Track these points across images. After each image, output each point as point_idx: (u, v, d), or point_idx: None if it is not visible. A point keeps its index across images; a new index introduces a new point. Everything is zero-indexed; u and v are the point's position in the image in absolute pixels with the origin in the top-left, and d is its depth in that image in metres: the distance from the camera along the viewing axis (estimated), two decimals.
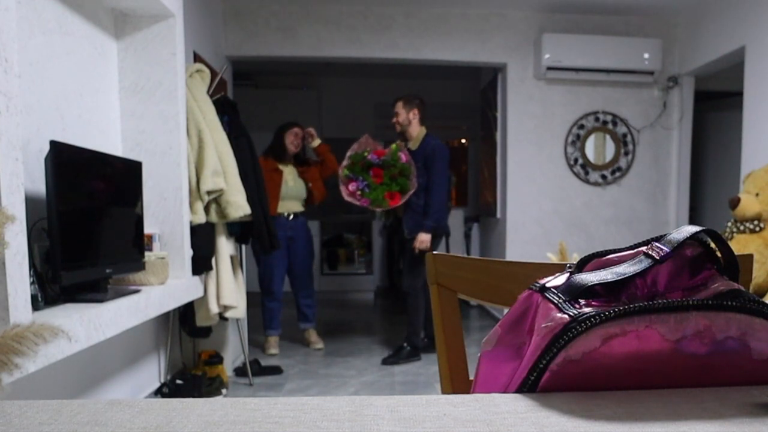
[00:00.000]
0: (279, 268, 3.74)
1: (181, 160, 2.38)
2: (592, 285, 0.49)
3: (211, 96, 2.83)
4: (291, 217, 3.75)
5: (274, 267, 3.70)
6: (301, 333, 4.05)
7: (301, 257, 3.84)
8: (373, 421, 0.41)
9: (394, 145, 3.50)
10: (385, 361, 3.57)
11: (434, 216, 3.47)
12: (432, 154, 3.48)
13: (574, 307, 0.47)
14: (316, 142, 3.78)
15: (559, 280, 0.53)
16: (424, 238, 3.45)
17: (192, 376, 2.73)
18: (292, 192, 3.71)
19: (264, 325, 3.82)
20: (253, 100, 5.88)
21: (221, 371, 2.95)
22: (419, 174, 3.49)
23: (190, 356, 3.05)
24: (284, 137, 3.71)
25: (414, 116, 3.56)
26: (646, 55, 4.07)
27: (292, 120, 3.87)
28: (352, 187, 3.49)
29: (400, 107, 3.58)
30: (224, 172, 2.62)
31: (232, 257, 2.89)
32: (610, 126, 4.29)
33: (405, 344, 3.65)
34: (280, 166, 3.68)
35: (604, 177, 4.33)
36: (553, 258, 3.58)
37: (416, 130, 3.58)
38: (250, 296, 3.47)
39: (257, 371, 3.27)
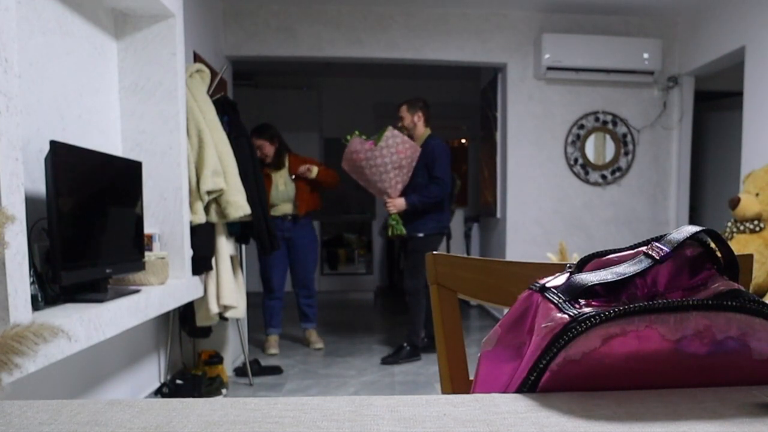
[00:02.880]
0: (279, 267, 3.75)
1: (181, 160, 2.38)
2: (592, 285, 0.49)
3: (211, 96, 2.83)
4: (288, 218, 3.75)
5: (274, 266, 3.71)
6: (302, 333, 4.06)
7: (300, 258, 3.83)
8: (373, 421, 0.41)
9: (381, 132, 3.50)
10: (385, 361, 3.58)
11: (422, 201, 3.48)
12: (431, 154, 3.49)
13: (574, 307, 0.47)
14: (314, 172, 3.70)
15: (559, 280, 0.53)
16: (398, 203, 3.47)
17: (192, 376, 2.73)
18: (282, 196, 3.70)
19: (264, 323, 3.83)
20: (253, 100, 5.88)
21: (221, 371, 2.95)
22: (418, 174, 3.50)
23: (190, 356, 3.05)
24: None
25: (419, 119, 3.58)
26: (646, 55, 4.07)
27: (264, 123, 3.76)
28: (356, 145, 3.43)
29: (404, 111, 3.60)
30: (224, 172, 2.62)
31: (232, 257, 2.89)
32: (610, 126, 4.29)
33: (405, 344, 3.66)
34: (270, 172, 3.67)
35: (604, 177, 4.32)
36: (553, 258, 3.58)
37: (421, 132, 3.60)
38: (250, 296, 3.47)
39: (257, 371, 3.27)
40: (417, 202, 3.48)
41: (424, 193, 3.48)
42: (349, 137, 3.50)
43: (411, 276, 3.62)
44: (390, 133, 3.37)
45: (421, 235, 3.55)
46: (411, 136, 3.61)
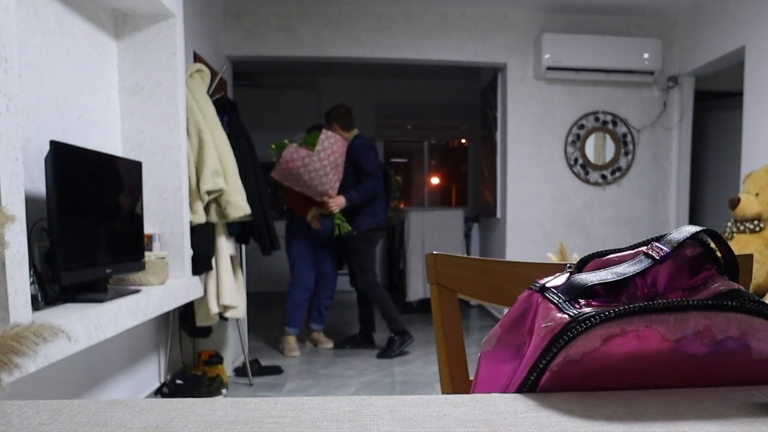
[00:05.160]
0: (314, 265, 3.78)
1: (181, 160, 2.38)
2: (592, 285, 0.49)
3: (211, 96, 2.83)
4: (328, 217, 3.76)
5: (311, 264, 3.74)
6: (308, 333, 4.03)
7: (333, 257, 3.86)
8: (373, 421, 0.41)
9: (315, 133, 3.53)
10: (380, 356, 3.66)
11: (360, 196, 3.56)
12: (355, 153, 3.59)
13: (574, 307, 0.47)
14: None
15: (559, 280, 0.53)
16: (339, 201, 3.52)
17: (192, 376, 2.73)
18: None
19: (288, 321, 3.74)
20: (253, 100, 5.88)
21: (221, 371, 2.95)
22: (347, 173, 3.57)
23: (190, 356, 3.05)
24: None
25: (336, 129, 3.67)
26: (646, 55, 4.07)
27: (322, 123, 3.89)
28: (289, 154, 3.42)
29: (326, 124, 3.72)
30: (224, 172, 2.62)
31: (232, 257, 2.89)
32: (610, 126, 4.29)
33: (393, 335, 3.72)
34: None
35: (604, 177, 4.32)
36: (553, 258, 3.58)
37: (345, 136, 3.68)
38: (250, 296, 3.47)
39: (257, 371, 3.27)
40: (356, 197, 3.56)
41: (360, 188, 3.57)
42: (274, 147, 3.50)
43: (361, 273, 3.68)
44: (324, 135, 3.42)
45: (355, 232, 3.61)
46: None
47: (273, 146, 3.51)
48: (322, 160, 3.38)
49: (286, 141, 3.50)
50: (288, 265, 3.86)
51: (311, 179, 3.41)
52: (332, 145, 3.41)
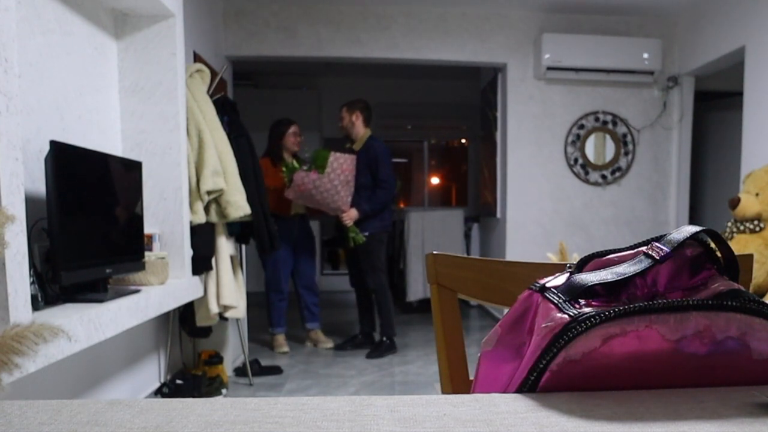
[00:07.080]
0: (287, 267, 3.81)
1: (181, 160, 2.38)
2: (592, 285, 0.49)
3: (211, 96, 2.83)
4: (297, 218, 3.81)
5: (282, 267, 3.76)
6: (306, 333, 4.04)
7: (307, 256, 3.90)
8: (373, 421, 0.41)
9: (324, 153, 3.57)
10: (370, 356, 3.70)
11: (374, 206, 3.62)
12: (374, 155, 3.62)
13: (574, 307, 0.47)
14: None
15: (559, 280, 0.52)
16: (352, 215, 3.58)
17: (192, 376, 2.73)
18: None
19: (271, 323, 3.85)
20: (253, 100, 5.87)
21: (221, 371, 2.95)
22: (361, 174, 3.61)
23: (190, 356, 3.05)
24: (285, 138, 3.74)
25: (357, 118, 3.70)
26: (646, 55, 4.07)
27: (287, 118, 3.89)
28: (299, 177, 3.48)
29: (344, 112, 3.74)
30: (224, 172, 2.62)
31: (232, 257, 2.89)
32: (610, 126, 4.29)
33: (384, 338, 3.77)
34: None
35: (604, 177, 4.32)
36: (553, 258, 3.58)
37: (360, 132, 3.72)
38: (250, 296, 3.47)
39: (257, 371, 3.27)
40: (368, 209, 3.62)
41: (373, 199, 3.62)
42: (285, 169, 3.56)
43: (371, 274, 3.73)
44: (333, 157, 3.50)
45: (366, 234, 3.66)
46: (349, 136, 3.73)
47: (284, 169, 3.59)
48: (333, 180, 3.47)
49: (295, 165, 3.58)
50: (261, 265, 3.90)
51: (324, 198, 3.51)
52: (341, 165, 3.49)
